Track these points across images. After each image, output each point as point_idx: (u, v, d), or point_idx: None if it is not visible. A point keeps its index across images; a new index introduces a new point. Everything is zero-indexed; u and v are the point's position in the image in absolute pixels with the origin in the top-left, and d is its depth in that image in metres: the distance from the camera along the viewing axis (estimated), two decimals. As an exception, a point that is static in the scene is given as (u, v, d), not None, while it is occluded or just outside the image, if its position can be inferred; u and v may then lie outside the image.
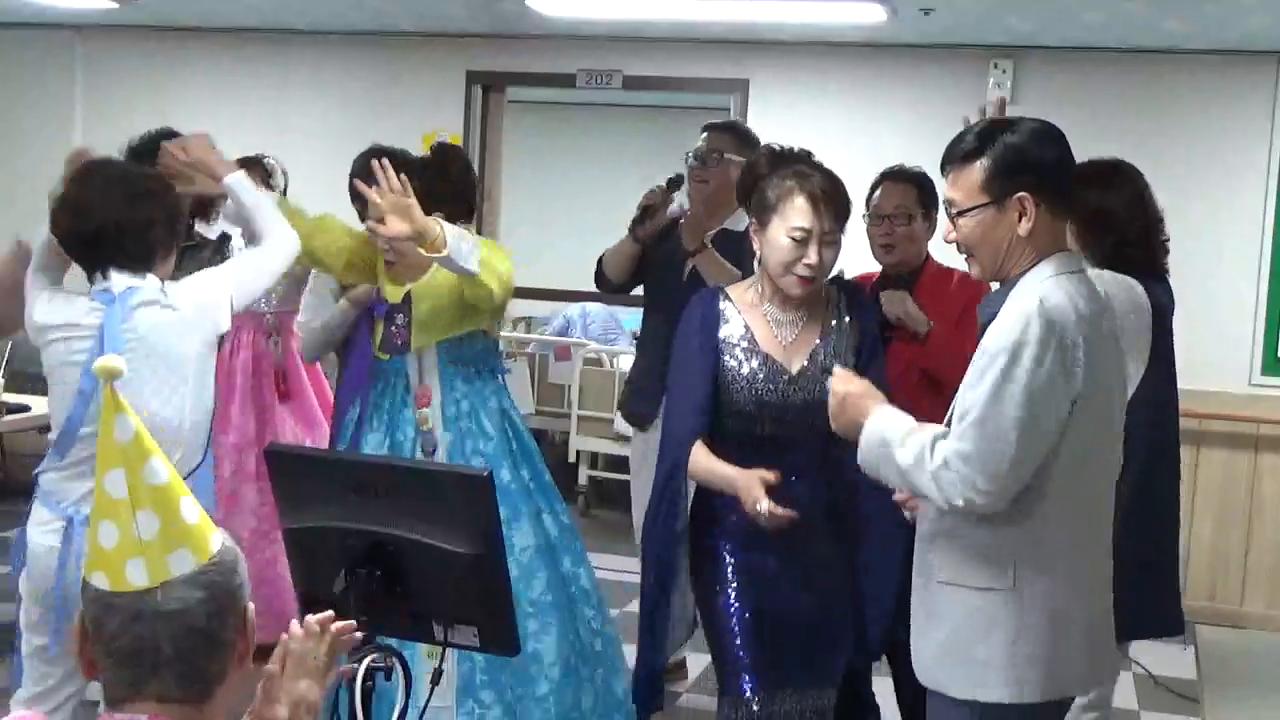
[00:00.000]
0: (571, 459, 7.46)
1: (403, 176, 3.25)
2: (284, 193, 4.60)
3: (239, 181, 3.37)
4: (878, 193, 3.85)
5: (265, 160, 4.82)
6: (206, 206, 4.46)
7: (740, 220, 3.18)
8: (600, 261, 4.63)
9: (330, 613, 2.07)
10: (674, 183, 4.43)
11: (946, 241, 2.65)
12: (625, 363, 7.64)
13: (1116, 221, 3.47)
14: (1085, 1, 5.40)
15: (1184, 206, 5.35)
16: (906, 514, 2.76)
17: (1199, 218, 5.97)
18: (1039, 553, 2.49)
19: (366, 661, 2.22)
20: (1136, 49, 6.18)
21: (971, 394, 2.44)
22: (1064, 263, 2.53)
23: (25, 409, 5.05)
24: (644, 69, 6.97)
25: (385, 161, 3.27)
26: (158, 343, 3.05)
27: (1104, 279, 3.32)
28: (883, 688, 3.40)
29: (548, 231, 10.07)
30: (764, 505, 2.83)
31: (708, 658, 3.22)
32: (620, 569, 5.87)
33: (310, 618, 2.00)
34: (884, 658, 3.37)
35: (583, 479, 7.49)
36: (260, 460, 4.49)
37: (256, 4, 6.68)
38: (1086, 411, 2.45)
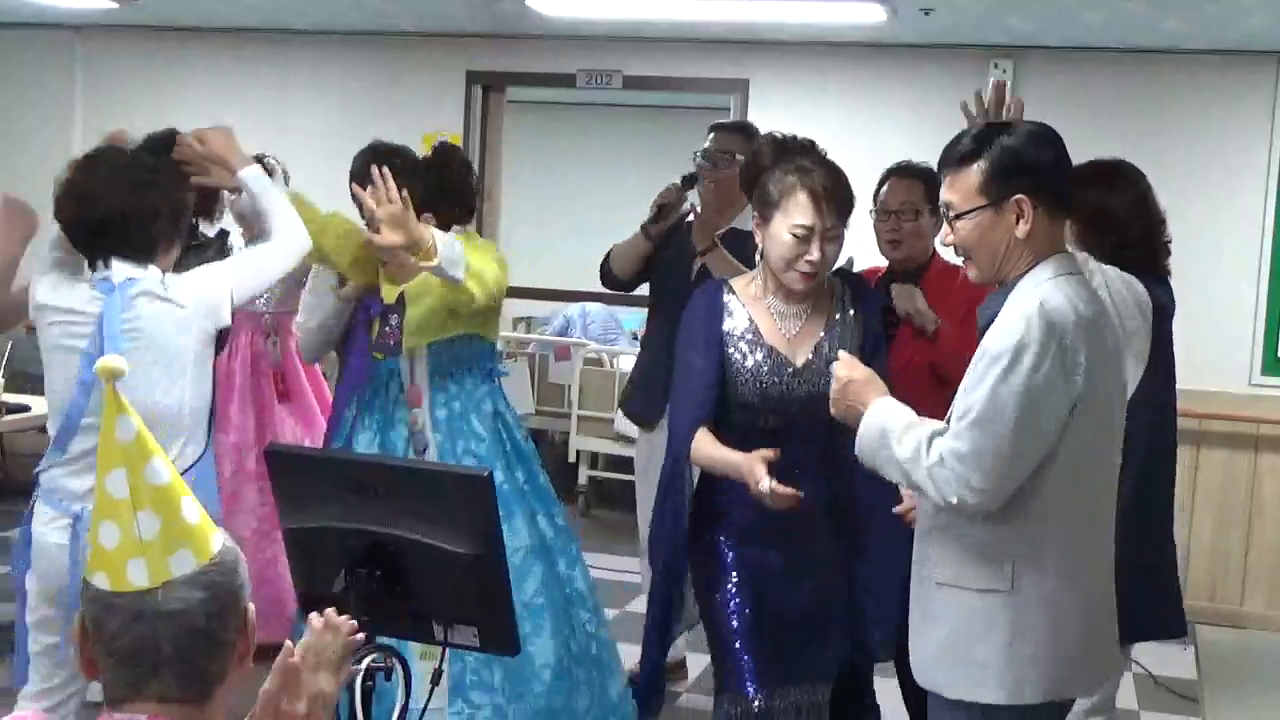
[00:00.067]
0: (571, 459, 7.46)
1: (404, 194, 3.25)
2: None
3: (254, 175, 3.36)
4: (884, 188, 3.85)
5: (266, 160, 4.81)
6: (210, 205, 4.46)
7: (749, 218, 3.18)
8: (607, 258, 4.61)
9: (331, 610, 2.07)
10: (689, 180, 4.42)
11: (944, 244, 2.65)
12: (625, 363, 7.64)
13: (1117, 222, 3.47)
14: (1085, 1, 5.40)
15: (1184, 206, 5.34)
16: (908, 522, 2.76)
17: (1199, 218, 5.97)
18: (1038, 554, 2.49)
19: (367, 661, 2.22)
20: (1136, 49, 6.18)
21: (971, 395, 2.44)
22: (1062, 264, 2.53)
23: (25, 409, 5.05)
24: (644, 69, 6.97)
25: (386, 171, 3.27)
26: (156, 334, 3.04)
27: (1107, 274, 3.33)
28: (885, 687, 3.40)
29: (548, 231, 10.07)
30: (765, 485, 2.81)
31: (708, 658, 3.22)
32: (620, 569, 5.87)
33: (329, 611, 1.99)
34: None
35: (583, 479, 7.49)
36: (260, 460, 4.49)
37: (256, 4, 6.68)
38: (1086, 413, 2.45)
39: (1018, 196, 2.48)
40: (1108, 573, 2.63)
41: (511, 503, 3.68)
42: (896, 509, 2.81)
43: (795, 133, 3.23)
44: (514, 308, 8.90)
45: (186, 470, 3.02)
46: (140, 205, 3.04)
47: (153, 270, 3.08)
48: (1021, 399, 2.38)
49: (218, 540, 1.70)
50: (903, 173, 3.85)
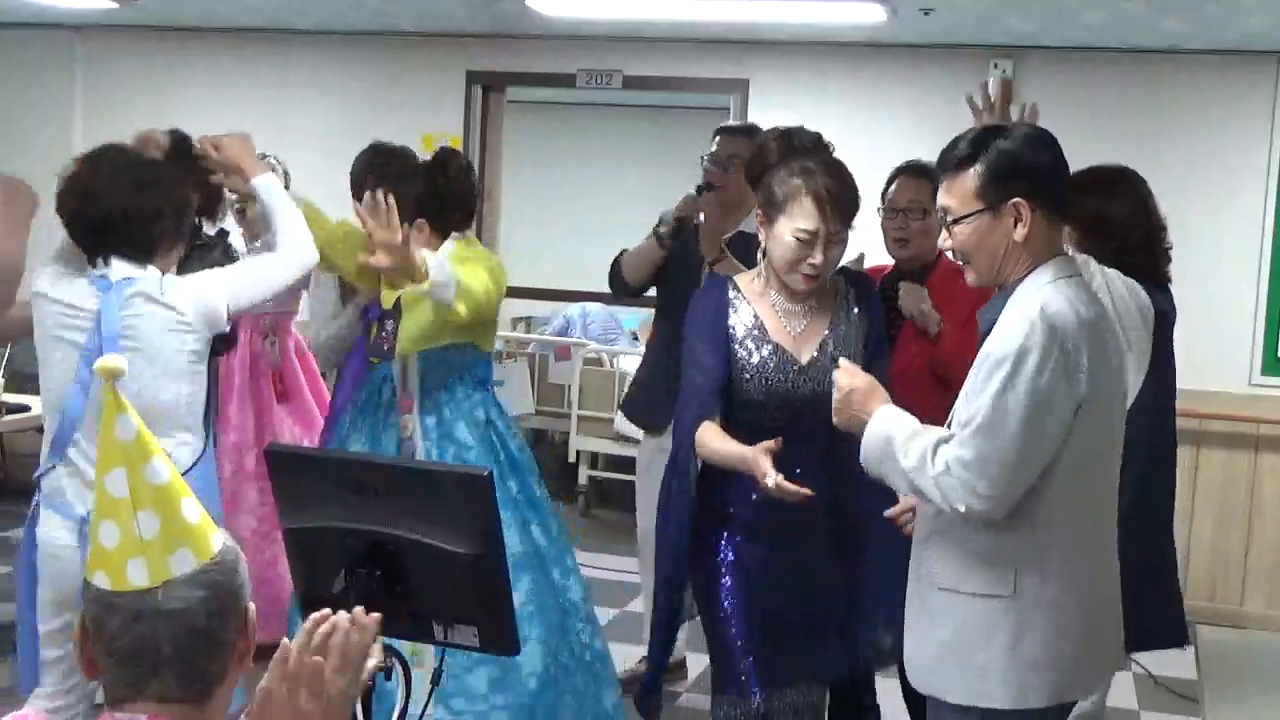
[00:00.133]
0: (571, 459, 7.46)
1: (406, 228, 3.26)
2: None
3: (268, 184, 3.37)
4: (893, 186, 3.86)
5: (266, 159, 4.82)
6: (213, 205, 4.46)
7: (754, 218, 3.17)
8: (618, 265, 4.57)
9: (360, 608, 2.05)
10: (705, 189, 4.40)
11: (942, 249, 2.64)
12: (625, 363, 7.64)
13: (1117, 229, 3.47)
14: (1085, 1, 5.40)
15: (1184, 206, 5.35)
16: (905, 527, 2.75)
17: (1199, 218, 5.97)
18: (1042, 558, 2.48)
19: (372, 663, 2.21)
20: (1136, 49, 6.18)
21: (974, 401, 2.43)
22: (1062, 267, 2.52)
23: (25, 409, 5.05)
24: (644, 69, 6.97)
25: (392, 203, 3.27)
26: (152, 336, 3.05)
27: (1109, 277, 3.32)
28: (885, 687, 3.40)
29: (548, 231, 10.08)
30: (771, 481, 2.79)
31: (707, 658, 3.22)
32: (620, 569, 5.87)
33: (357, 610, 1.98)
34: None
35: (583, 479, 7.49)
36: (260, 460, 4.49)
37: (256, 4, 6.68)
38: (1089, 416, 2.44)
39: (1015, 200, 2.48)
40: (1111, 574, 2.62)
41: (503, 511, 3.67)
42: (888, 512, 2.80)
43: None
44: (514, 308, 8.90)
45: (188, 471, 3.02)
46: (143, 205, 3.04)
47: (151, 271, 3.08)
48: (1026, 404, 2.37)
49: (218, 540, 1.70)
50: (911, 171, 3.86)
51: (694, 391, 3.06)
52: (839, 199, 2.97)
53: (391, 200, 3.27)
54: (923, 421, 2.58)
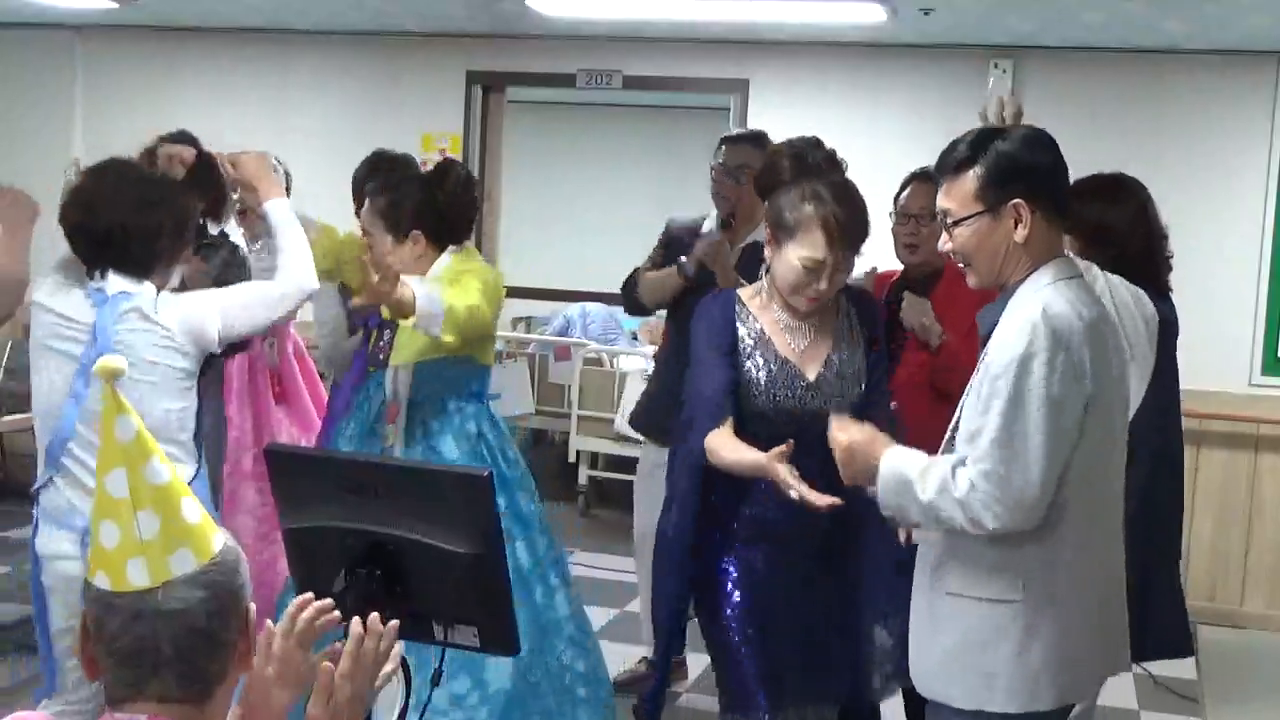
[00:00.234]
0: (571, 459, 7.46)
1: (403, 280, 3.29)
2: (286, 192, 4.60)
3: (279, 208, 3.40)
4: (905, 192, 3.86)
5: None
6: (218, 208, 4.46)
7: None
8: (633, 285, 4.52)
9: (375, 615, 2.04)
10: (726, 224, 4.36)
11: (941, 251, 2.64)
12: (625, 363, 7.64)
13: (1117, 236, 3.46)
14: (1085, 1, 5.40)
15: (1184, 207, 5.35)
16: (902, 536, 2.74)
17: (1199, 218, 5.97)
18: (1052, 562, 2.46)
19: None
20: (1136, 49, 6.18)
21: (985, 413, 2.41)
22: (1062, 268, 2.51)
23: (25, 409, 5.05)
24: (644, 69, 6.97)
25: (392, 265, 3.31)
26: (143, 353, 3.07)
27: (1111, 281, 3.31)
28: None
29: (548, 231, 10.08)
30: (795, 494, 2.74)
31: (708, 658, 3.22)
32: (620, 569, 5.87)
33: (373, 617, 1.98)
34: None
35: (582, 479, 7.49)
36: (259, 460, 4.49)
37: (256, 4, 6.68)
38: (1094, 416, 2.43)
39: (1015, 201, 2.47)
40: (1117, 577, 2.61)
41: None
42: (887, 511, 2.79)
43: (794, 135, 3.18)
44: (514, 308, 8.89)
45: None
46: (145, 222, 3.06)
47: (147, 287, 3.09)
48: (1041, 408, 2.36)
49: (218, 540, 1.71)
50: (924, 178, 3.85)
51: (703, 401, 3.02)
52: (847, 227, 2.93)
53: (392, 264, 3.32)
54: (926, 433, 2.56)
